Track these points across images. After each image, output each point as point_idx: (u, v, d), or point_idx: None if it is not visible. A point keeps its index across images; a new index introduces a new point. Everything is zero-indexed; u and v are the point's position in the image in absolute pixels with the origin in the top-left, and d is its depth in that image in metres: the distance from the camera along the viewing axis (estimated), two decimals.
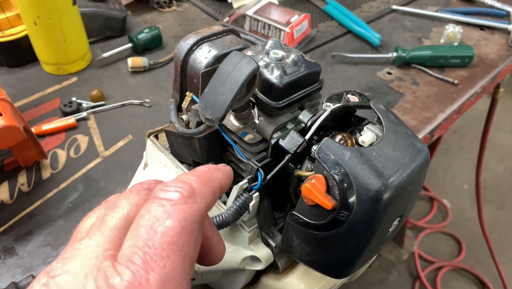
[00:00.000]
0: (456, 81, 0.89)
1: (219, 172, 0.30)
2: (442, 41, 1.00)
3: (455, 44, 0.98)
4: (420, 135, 0.78)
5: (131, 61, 0.88)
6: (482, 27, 1.07)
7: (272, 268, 0.45)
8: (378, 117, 0.40)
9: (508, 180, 2.20)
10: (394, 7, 1.13)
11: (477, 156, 1.44)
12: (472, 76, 0.92)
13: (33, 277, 0.35)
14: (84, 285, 0.21)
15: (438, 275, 1.76)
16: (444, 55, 0.92)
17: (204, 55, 0.46)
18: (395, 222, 0.39)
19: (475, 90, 0.88)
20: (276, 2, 1.11)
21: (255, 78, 0.39)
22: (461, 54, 0.92)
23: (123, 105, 0.82)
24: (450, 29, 0.98)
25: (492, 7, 1.11)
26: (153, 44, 0.95)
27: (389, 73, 0.93)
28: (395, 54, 0.93)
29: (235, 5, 1.10)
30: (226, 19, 1.03)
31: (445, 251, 1.88)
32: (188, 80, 0.48)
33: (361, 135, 0.41)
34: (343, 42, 1.02)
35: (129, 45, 0.93)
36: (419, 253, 1.83)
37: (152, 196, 0.25)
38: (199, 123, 0.44)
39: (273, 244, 0.43)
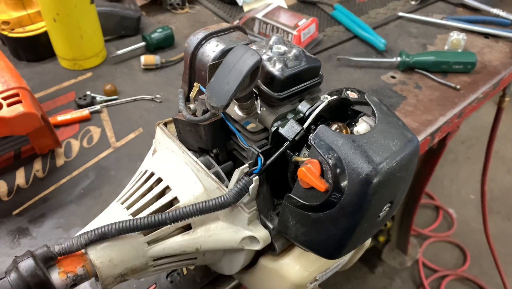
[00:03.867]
0: (458, 86, 0.91)
1: None
2: (446, 47, 1.02)
3: (459, 50, 1.00)
4: (421, 137, 0.80)
5: (144, 59, 0.92)
6: (486, 35, 1.09)
7: (269, 250, 0.48)
8: (373, 110, 0.43)
9: None
10: (400, 14, 1.15)
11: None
12: (474, 82, 0.94)
13: (48, 247, 0.39)
14: None
15: (442, 283, 1.75)
16: (447, 61, 0.94)
17: (212, 49, 0.49)
18: (386, 208, 0.42)
19: (477, 95, 0.90)
20: (285, 6, 1.14)
21: (258, 69, 0.42)
22: (464, 60, 0.94)
23: (135, 100, 0.86)
24: (455, 36, 1.00)
25: (497, 16, 1.13)
26: (165, 44, 0.99)
27: (393, 77, 0.95)
28: (399, 59, 0.95)
29: (245, 8, 1.13)
30: (236, 21, 1.07)
31: (449, 260, 1.88)
32: (197, 73, 0.51)
33: (356, 126, 0.44)
34: (349, 46, 1.05)
35: (143, 43, 0.97)
36: (423, 261, 1.82)
37: None
38: (205, 112, 0.47)
39: (271, 226, 0.46)
